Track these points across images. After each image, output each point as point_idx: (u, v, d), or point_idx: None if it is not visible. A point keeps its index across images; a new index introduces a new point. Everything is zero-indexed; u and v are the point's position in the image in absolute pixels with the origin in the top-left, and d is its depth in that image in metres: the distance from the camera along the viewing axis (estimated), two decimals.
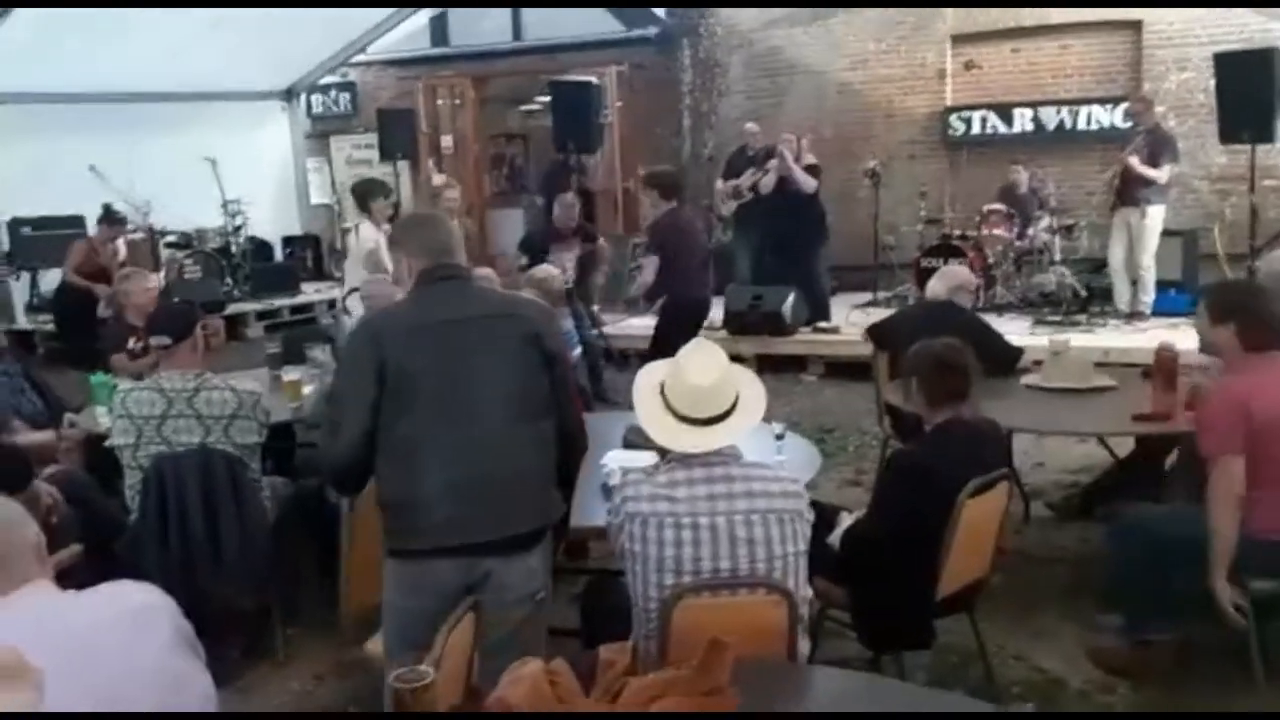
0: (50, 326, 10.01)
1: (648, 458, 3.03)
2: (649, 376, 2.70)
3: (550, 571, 2.87)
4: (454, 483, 2.64)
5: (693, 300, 7.05)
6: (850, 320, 8.76)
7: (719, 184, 9.90)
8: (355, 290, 6.47)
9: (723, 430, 2.58)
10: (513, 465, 2.69)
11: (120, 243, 9.83)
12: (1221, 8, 9.77)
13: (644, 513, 2.54)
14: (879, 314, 8.54)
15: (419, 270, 2.82)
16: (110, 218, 9.75)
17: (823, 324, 8.95)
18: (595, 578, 3.79)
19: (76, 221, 10.33)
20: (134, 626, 1.99)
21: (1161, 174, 8.34)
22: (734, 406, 2.60)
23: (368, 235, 6.97)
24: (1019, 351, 5.26)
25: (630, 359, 9.14)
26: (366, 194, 7.19)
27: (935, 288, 5.39)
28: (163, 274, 10.09)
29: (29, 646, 1.86)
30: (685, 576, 2.53)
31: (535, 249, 7.72)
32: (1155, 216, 8.47)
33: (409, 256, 2.88)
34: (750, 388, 2.67)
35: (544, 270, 6.21)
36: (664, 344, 7.01)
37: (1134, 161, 8.29)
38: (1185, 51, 10.25)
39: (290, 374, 5.06)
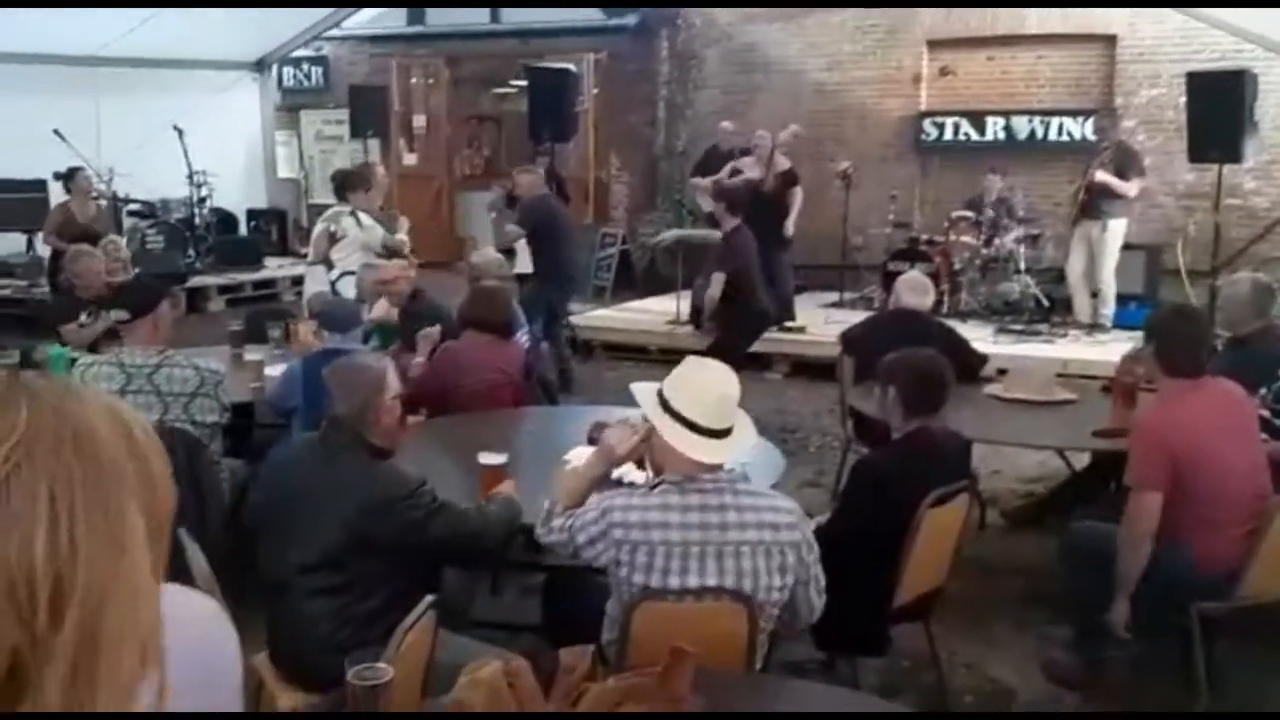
0: (8, 292, 9.83)
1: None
2: (647, 393, 2.66)
3: None
4: None
5: (759, 312, 7.15)
6: (828, 320, 8.73)
7: (697, 180, 9.87)
8: (349, 274, 6.41)
9: (732, 443, 2.59)
10: None
11: (91, 203, 9.62)
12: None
13: (635, 540, 2.51)
14: (844, 315, 8.59)
15: None
16: (67, 177, 9.50)
17: (788, 323, 8.97)
18: (555, 573, 3.77)
19: (38, 185, 10.12)
20: (213, 629, 1.93)
21: (1131, 187, 8.44)
22: (733, 426, 2.61)
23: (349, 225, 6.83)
24: (984, 358, 5.42)
25: (595, 350, 9.14)
26: (344, 185, 7.06)
27: (909, 298, 5.43)
28: (124, 242, 9.90)
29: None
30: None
31: None
32: (1115, 230, 8.56)
33: None
34: (742, 415, 2.68)
35: (482, 255, 6.17)
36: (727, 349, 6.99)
37: (1100, 175, 8.38)
38: (1157, 68, 10.33)
39: (252, 354, 5.00)
